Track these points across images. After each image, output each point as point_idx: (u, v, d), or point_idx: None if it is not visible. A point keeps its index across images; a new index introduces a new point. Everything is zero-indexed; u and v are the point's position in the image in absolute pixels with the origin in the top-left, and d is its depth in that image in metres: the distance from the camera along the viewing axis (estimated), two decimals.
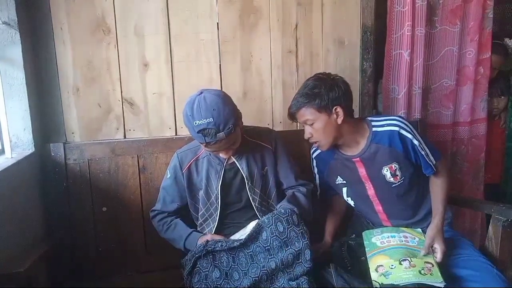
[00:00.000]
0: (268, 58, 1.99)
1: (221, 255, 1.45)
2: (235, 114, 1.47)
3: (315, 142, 1.61)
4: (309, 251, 1.39)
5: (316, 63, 2.06)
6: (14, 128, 1.68)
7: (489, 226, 1.69)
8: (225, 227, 1.64)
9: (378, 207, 1.69)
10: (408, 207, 1.67)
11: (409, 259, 1.45)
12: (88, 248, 1.82)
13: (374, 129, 1.60)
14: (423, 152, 1.56)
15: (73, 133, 1.84)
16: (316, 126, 1.55)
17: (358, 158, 1.62)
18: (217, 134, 1.39)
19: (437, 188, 1.62)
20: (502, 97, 2.55)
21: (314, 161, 1.79)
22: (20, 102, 1.67)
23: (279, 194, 1.69)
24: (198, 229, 1.65)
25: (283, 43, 2.00)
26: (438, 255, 1.48)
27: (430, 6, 2.11)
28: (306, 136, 1.60)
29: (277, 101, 2.03)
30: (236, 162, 1.61)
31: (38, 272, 1.51)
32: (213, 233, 1.60)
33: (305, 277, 1.37)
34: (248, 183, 1.61)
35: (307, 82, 1.58)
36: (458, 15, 2.15)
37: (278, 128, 2.03)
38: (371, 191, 1.66)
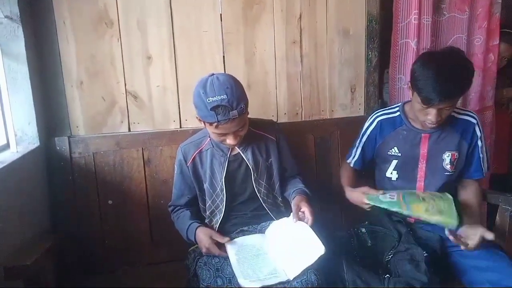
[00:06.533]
0: (272, 49, 1.98)
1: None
2: (246, 96, 1.47)
3: (433, 126, 1.52)
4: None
5: (321, 54, 2.04)
6: (19, 122, 1.69)
7: (496, 216, 1.68)
8: (231, 218, 1.65)
9: (420, 184, 1.64)
10: None
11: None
12: (94, 241, 1.84)
13: (452, 113, 1.57)
14: (481, 155, 1.57)
15: (77, 126, 1.84)
16: (451, 110, 1.50)
17: (427, 134, 1.60)
18: (230, 112, 1.37)
19: (478, 191, 1.63)
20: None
21: (374, 124, 1.70)
22: (24, 96, 1.67)
23: (282, 186, 1.69)
24: (206, 221, 1.65)
25: (287, 34, 1.98)
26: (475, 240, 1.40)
27: None
28: (436, 120, 1.47)
29: (282, 92, 2.02)
30: (241, 153, 1.61)
31: (45, 265, 1.52)
32: (218, 224, 1.61)
33: (312, 270, 1.36)
34: (254, 174, 1.60)
35: (457, 70, 1.41)
36: (466, 1, 2.11)
37: (282, 119, 2.02)
38: (421, 172, 1.63)
